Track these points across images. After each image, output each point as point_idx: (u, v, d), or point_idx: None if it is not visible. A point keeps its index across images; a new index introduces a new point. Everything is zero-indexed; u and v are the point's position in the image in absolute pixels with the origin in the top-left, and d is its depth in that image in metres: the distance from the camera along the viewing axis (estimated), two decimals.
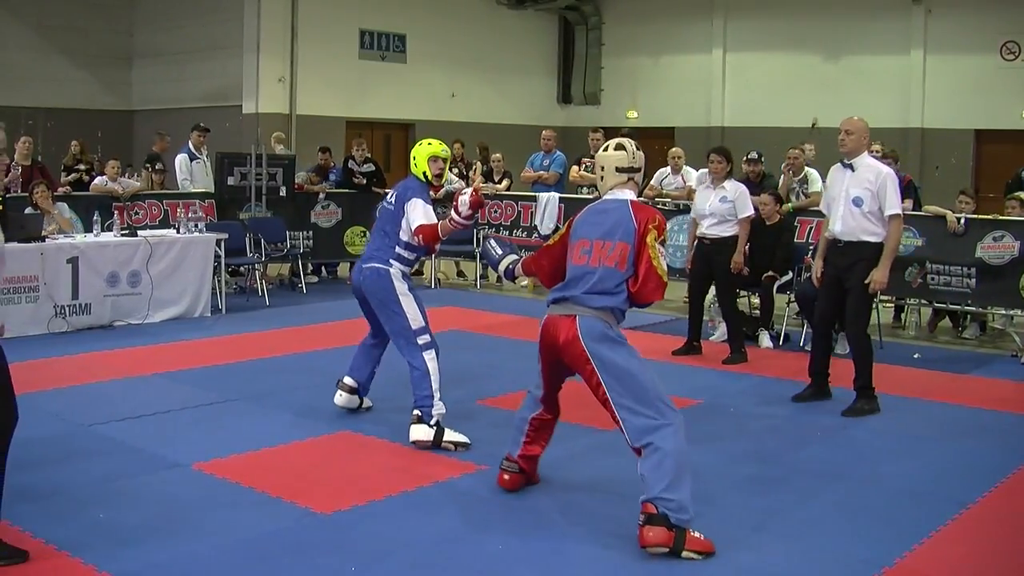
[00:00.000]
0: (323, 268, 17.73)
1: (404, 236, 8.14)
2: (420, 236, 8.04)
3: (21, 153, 14.39)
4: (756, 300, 12.65)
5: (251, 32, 23.63)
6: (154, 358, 10.75)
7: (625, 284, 6.27)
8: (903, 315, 14.01)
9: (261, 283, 15.06)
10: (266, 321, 13.13)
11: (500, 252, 7.35)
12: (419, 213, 8.08)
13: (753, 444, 8.14)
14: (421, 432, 7.78)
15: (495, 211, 16.75)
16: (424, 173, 8.36)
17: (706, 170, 14.58)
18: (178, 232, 13.41)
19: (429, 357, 7.96)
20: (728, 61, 28.44)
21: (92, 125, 23.62)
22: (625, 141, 6.67)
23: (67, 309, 12.13)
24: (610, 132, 17.15)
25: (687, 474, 5.81)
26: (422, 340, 7.99)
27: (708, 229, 11.36)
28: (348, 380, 8.65)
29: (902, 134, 24.88)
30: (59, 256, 12.03)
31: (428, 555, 5.77)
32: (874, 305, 10.09)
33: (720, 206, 11.31)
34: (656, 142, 22.23)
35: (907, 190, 13.30)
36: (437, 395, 7.86)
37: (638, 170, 6.61)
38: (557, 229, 15.49)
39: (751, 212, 11.54)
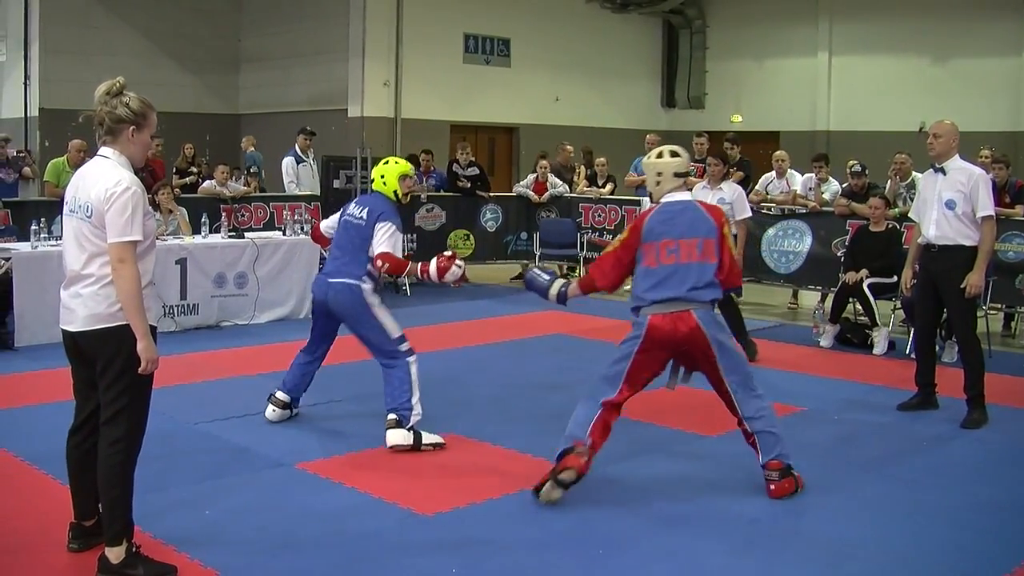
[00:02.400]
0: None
1: (373, 254, 8.09)
2: (383, 263, 7.97)
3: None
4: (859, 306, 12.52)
5: (356, 36, 23.81)
6: (260, 359, 10.88)
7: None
8: (1013, 323, 13.77)
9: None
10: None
11: (547, 278, 7.47)
12: (387, 239, 8.03)
13: (859, 452, 8.05)
14: (399, 436, 7.80)
15: (599, 215, 16.75)
16: (395, 192, 8.29)
17: (812, 175, 14.55)
18: (284, 234, 13.57)
19: (412, 363, 8.06)
20: (833, 64, 28.15)
21: (200, 129, 23.93)
22: (679, 148, 7.12)
23: (175, 309, 12.33)
24: (714, 136, 17.20)
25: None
26: (404, 347, 8.10)
27: None
28: (281, 395, 8.60)
29: (1013, 138, 24.47)
30: (168, 257, 12.22)
31: (528, 559, 5.80)
32: (978, 309, 9.92)
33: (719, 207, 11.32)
34: (760, 146, 22.09)
35: (1019, 195, 13.12)
36: (416, 400, 7.94)
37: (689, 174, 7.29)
38: None
39: (749, 214, 11.83)
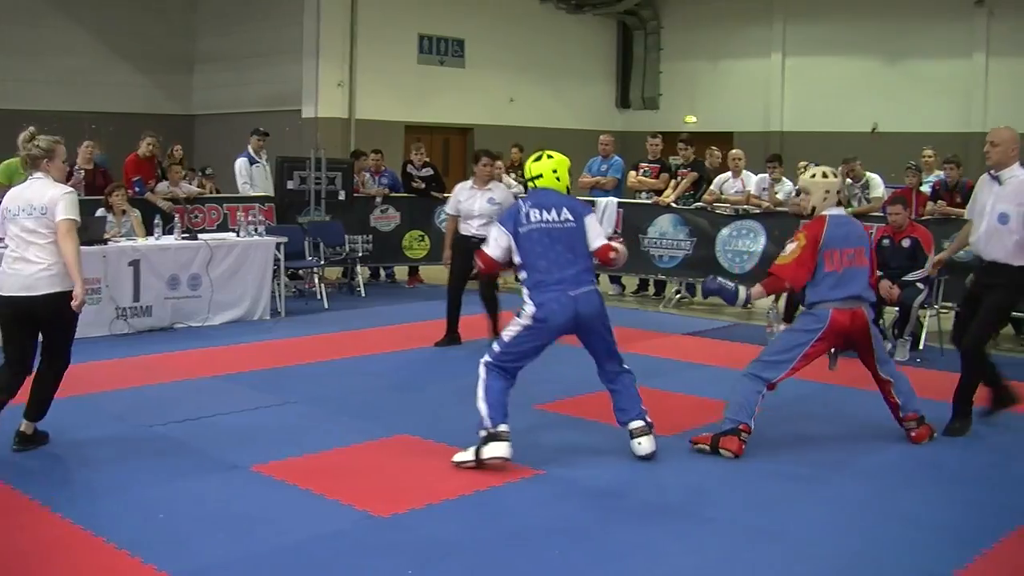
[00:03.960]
0: (381, 271, 17.80)
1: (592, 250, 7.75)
2: (615, 252, 7.80)
3: (84, 157, 14.55)
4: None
5: (310, 37, 23.74)
6: (214, 360, 10.83)
7: None
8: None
9: (320, 286, 15.13)
10: (325, 324, 13.21)
11: (732, 286, 8.42)
12: (600, 230, 7.86)
13: (811, 451, 8.09)
14: (653, 443, 7.73)
15: None
16: (567, 187, 7.93)
17: (766, 175, 14.62)
18: (238, 236, 13.50)
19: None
20: (787, 65, 28.30)
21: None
22: (833, 170, 8.45)
23: (128, 311, 12.25)
24: (668, 137, 17.24)
25: None
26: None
27: (477, 230, 11.50)
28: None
29: (964, 139, 24.62)
30: (121, 259, 12.15)
31: (485, 559, 5.79)
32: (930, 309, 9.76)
33: (488, 207, 11.60)
34: (714, 147, 22.16)
35: (969, 196, 13.22)
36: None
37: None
38: (615, 234, 15.53)
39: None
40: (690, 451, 7.86)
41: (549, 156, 7.89)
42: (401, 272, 17.52)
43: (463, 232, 11.75)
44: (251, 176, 16.22)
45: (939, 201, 13.26)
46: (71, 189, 7.74)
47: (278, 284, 13.81)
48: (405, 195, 17.16)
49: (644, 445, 7.68)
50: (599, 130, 20.92)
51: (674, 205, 15.36)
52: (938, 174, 14.49)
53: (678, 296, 15.94)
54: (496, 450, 7.29)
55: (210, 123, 25.55)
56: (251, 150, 16.37)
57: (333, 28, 23.84)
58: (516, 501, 6.76)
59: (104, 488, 6.69)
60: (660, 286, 16.54)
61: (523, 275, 7.69)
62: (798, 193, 8.74)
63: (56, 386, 7.72)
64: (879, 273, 10.46)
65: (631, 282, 16.93)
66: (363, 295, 15.83)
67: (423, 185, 17.06)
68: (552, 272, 7.53)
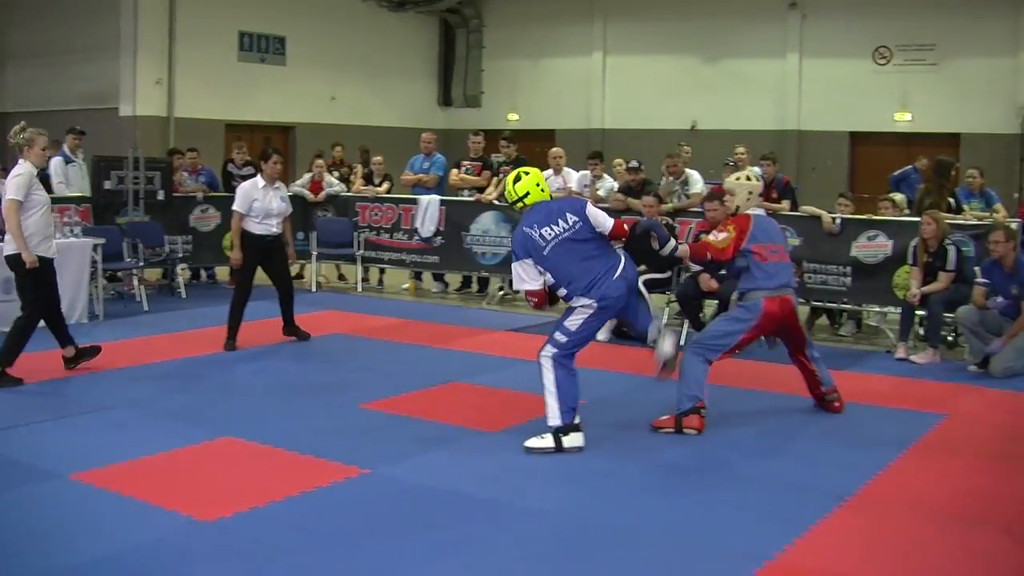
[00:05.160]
0: (202, 272, 17.55)
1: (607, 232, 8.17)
2: (624, 225, 8.26)
3: None
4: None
5: (128, 33, 23.33)
6: (29, 366, 10.53)
7: None
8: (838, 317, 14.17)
9: (139, 288, 14.86)
10: (144, 327, 12.98)
11: (665, 233, 8.65)
12: (602, 213, 8.23)
13: (639, 441, 8.23)
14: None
15: (376, 214, 16.72)
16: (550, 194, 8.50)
17: (587, 172, 14.79)
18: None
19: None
20: (608, 64, 28.69)
21: None
22: (753, 173, 9.48)
23: None
24: (491, 134, 17.32)
25: None
26: None
27: (276, 228, 11.84)
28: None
29: (779, 136, 25.36)
30: None
31: (312, 561, 5.75)
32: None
33: (283, 205, 11.88)
34: (536, 144, 22.34)
35: (785, 191, 13.61)
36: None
37: None
38: (438, 232, 15.57)
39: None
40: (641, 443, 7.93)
41: (526, 173, 8.22)
42: (222, 272, 17.28)
43: (256, 231, 11.74)
44: (66, 176, 15.83)
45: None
46: (22, 172, 9.74)
47: (95, 286, 13.52)
48: (225, 194, 16.91)
49: (665, 348, 8.27)
50: (421, 128, 20.93)
51: (496, 203, 15.43)
52: (752, 170, 14.82)
53: (501, 293, 16.02)
54: (576, 440, 7.85)
55: (24, 121, 24.87)
56: (67, 149, 15.99)
57: (151, 24, 23.47)
58: (342, 501, 6.73)
59: None
60: (483, 283, 16.62)
61: (563, 292, 8.04)
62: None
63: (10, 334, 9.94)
64: (699, 267, 10.75)
65: (454, 279, 16.97)
66: (184, 296, 15.58)
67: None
68: (585, 276, 7.90)
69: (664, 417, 8.54)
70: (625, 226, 8.17)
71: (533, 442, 7.81)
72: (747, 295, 8.76)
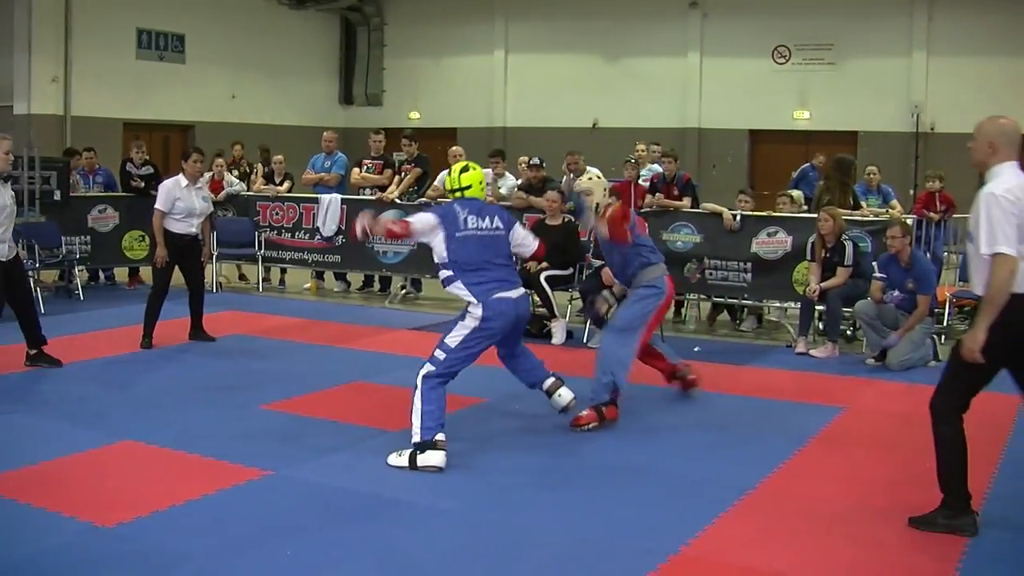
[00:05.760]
0: (100, 274, 17.30)
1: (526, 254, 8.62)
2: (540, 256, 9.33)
3: None
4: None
5: (22, 29, 22.94)
6: None
7: None
8: (683, 310, 14.37)
9: (35, 290, 14.60)
10: (41, 329, 12.77)
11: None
12: (529, 234, 8.50)
13: (540, 439, 8.24)
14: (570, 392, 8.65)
15: (277, 213, 16.61)
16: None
17: (489, 170, 14.81)
18: None
19: None
20: (510, 62, 28.76)
21: None
22: (596, 171, 9.46)
23: None
24: (392, 133, 17.28)
25: None
26: None
27: (197, 227, 11.90)
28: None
29: (680, 134, 25.57)
30: None
31: (214, 564, 5.70)
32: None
33: (204, 204, 11.96)
34: (438, 143, 22.29)
35: (686, 188, 13.72)
36: None
37: None
38: (340, 231, 15.51)
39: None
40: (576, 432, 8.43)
41: (473, 168, 8.24)
42: (121, 274, 17.07)
43: (177, 230, 11.68)
44: None
45: (657, 194, 13.65)
46: None
47: None
48: (124, 195, 16.70)
49: (564, 395, 8.53)
50: (322, 127, 20.85)
51: (398, 201, 15.39)
52: (651, 167, 14.93)
53: (404, 292, 15.99)
54: (432, 459, 7.39)
55: None
56: None
57: (46, 21, 23.11)
58: (245, 504, 6.67)
59: None
60: (385, 282, 16.56)
61: (449, 272, 7.94)
62: (579, 195, 9.36)
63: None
64: (600, 262, 10.91)
65: (356, 279, 16.91)
66: (81, 298, 15.35)
67: (143, 184, 16.63)
68: (485, 271, 7.86)
69: (584, 413, 8.56)
70: (541, 254, 8.68)
71: (392, 459, 7.53)
72: (648, 272, 8.91)
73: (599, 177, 9.22)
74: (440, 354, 7.74)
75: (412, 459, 7.42)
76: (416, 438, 7.46)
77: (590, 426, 8.49)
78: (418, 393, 7.57)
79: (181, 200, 11.60)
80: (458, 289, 7.87)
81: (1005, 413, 8.98)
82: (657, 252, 9.24)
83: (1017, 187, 6.08)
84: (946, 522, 6.24)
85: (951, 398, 6.32)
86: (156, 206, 11.67)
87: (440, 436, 7.47)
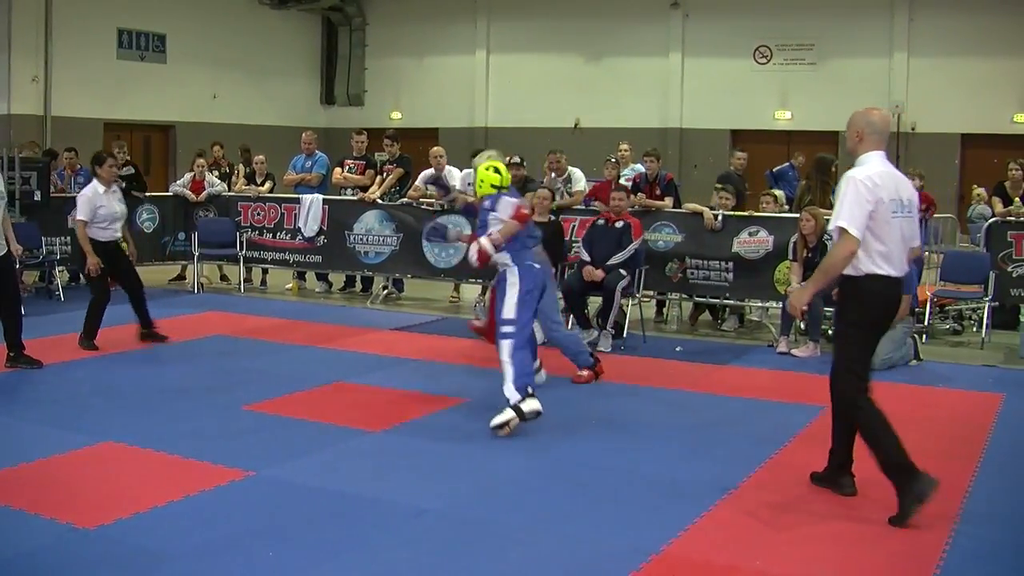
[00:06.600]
0: (80, 274, 17.23)
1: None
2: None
3: None
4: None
5: (1, 29, 22.86)
6: None
7: None
8: (665, 309, 14.38)
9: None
10: (23, 330, 12.73)
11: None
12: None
13: (522, 440, 8.23)
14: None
15: (258, 213, 16.58)
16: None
17: (471, 171, 14.80)
18: None
19: None
20: (491, 62, 28.76)
21: None
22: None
23: None
24: (374, 133, 17.26)
25: None
26: None
27: (118, 231, 11.86)
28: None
29: (662, 134, 25.61)
30: None
31: (196, 566, 5.67)
32: (631, 299, 9.88)
33: (122, 207, 11.92)
34: (420, 143, 22.25)
35: (668, 188, 13.75)
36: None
37: None
38: (321, 231, 15.49)
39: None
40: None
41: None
42: None
43: (102, 238, 11.57)
44: None
45: (639, 193, 13.66)
46: None
47: None
48: None
49: (542, 375, 9.65)
50: (304, 127, 20.79)
51: (380, 201, 15.38)
52: (634, 167, 14.93)
53: (385, 292, 15.98)
54: (532, 404, 8.34)
55: None
56: None
57: (26, 20, 23.05)
58: (227, 504, 6.65)
59: None
60: (367, 283, 16.55)
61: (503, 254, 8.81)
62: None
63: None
64: (586, 257, 11.05)
65: (338, 279, 16.88)
66: (62, 299, 15.30)
67: (123, 184, 16.57)
68: (527, 244, 8.99)
69: (583, 373, 10.06)
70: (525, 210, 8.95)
71: (498, 419, 8.30)
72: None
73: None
74: (511, 325, 8.60)
75: (518, 409, 8.27)
76: (515, 397, 8.29)
77: (585, 381, 10.06)
78: (513, 361, 8.47)
79: (104, 207, 11.49)
80: (507, 256, 8.81)
81: (985, 411, 9.01)
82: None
83: (878, 175, 6.56)
84: (910, 500, 6.37)
85: (854, 379, 6.81)
86: (79, 217, 11.51)
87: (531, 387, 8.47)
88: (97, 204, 11.48)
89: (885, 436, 6.54)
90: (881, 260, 6.57)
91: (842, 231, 6.49)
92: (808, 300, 6.76)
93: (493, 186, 8.92)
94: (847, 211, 6.49)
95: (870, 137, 6.71)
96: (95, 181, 11.67)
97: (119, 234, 11.81)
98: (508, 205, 8.71)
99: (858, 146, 6.75)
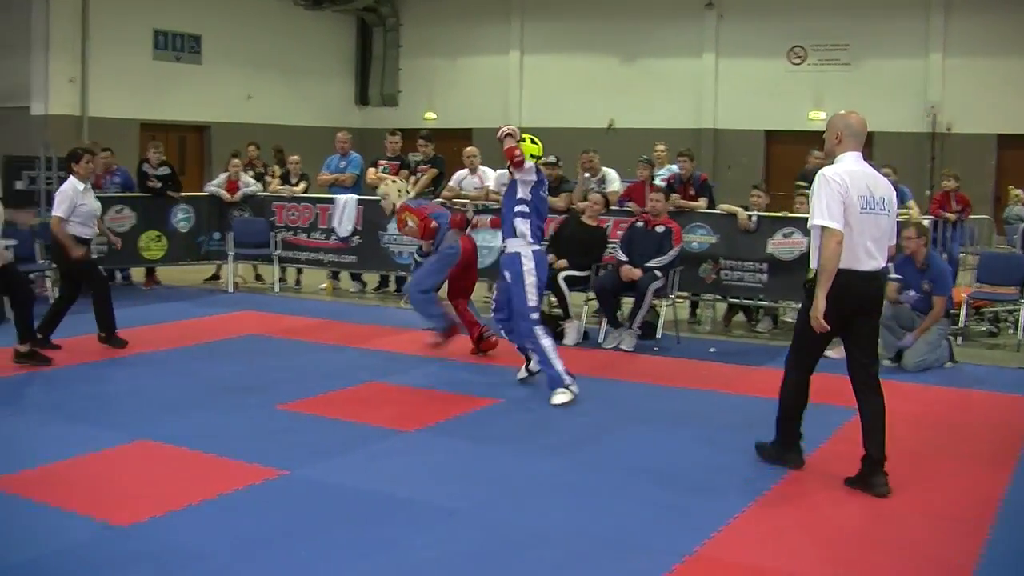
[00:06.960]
0: (116, 274, 17.32)
1: None
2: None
3: None
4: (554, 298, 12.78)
5: (39, 29, 23.02)
6: None
7: None
8: (698, 310, 14.35)
9: (52, 290, 14.62)
10: (57, 329, 12.79)
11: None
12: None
13: (554, 440, 8.23)
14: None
15: (293, 214, 16.62)
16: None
17: (505, 171, 14.80)
18: None
19: None
20: (525, 63, 28.79)
21: None
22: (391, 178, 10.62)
23: None
24: (408, 133, 17.28)
25: None
26: None
27: (95, 228, 11.78)
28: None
29: (696, 135, 25.58)
30: None
31: (230, 564, 5.70)
32: (665, 300, 9.90)
33: (98, 204, 11.85)
34: (454, 143, 22.27)
35: (703, 189, 13.71)
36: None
37: None
38: (355, 231, 15.52)
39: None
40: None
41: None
42: (138, 273, 17.10)
43: (82, 234, 11.46)
44: None
45: (673, 194, 13.62)
46: None
47: None
48: (140, 195, 16.72)
49: (534, 363, 9.88)
50: (338, 127, 20.85)
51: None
52: (670, 168, 14.90)
53: None
54: (574, 386, 9.39)
55: None
56: None
57: (63, 21, 23.19)
58: (260, 503, 6.67)
59: None
60: (401, 282, 16.56)
61: (524, 208, 9.74)
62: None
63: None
64: (624, 258, 11.08)
65: (372, 279, 16.92)
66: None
67: (159, 184, 16.67)
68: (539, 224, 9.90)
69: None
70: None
71: (557, 399, 9.29)
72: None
73: (395, 182, 12.37)
74: (535, 314, 9.62)
75: (570, 389, 9.30)
76: (567, 379, 9.32)
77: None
78: (549, 346, 9.46)
79: (84, 204, 11.38)
80: (523, 224, 9.69)
81: (1022, 414, 8.95)
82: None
83: (848, 172, 6.97)
84: (775, 452, 7.63)
85: (798, 359, 7.63)
86: (57, 214, 11.27)
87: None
88: (78, 201, 11.33)
89: (791, 406, 7.63)
90: (845, 253, 6.90)
91: (823, 228, 6.88)
92: (823, 306, 6.91)
93: (532, 156, 9.89)
94: (824, 207, 6.87)
95: (848, 139, 7.18)
96: (72, 178, 11.45)
97: (95, 231, 11.75)
98: (505, 176, 10.44)
99: (836, 147, 7.19)
